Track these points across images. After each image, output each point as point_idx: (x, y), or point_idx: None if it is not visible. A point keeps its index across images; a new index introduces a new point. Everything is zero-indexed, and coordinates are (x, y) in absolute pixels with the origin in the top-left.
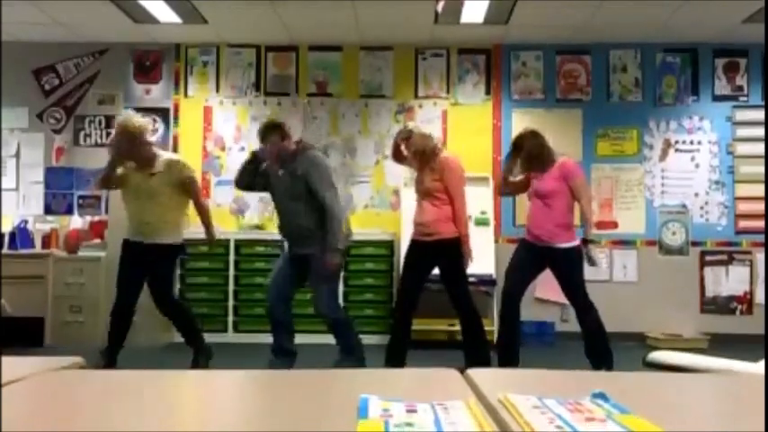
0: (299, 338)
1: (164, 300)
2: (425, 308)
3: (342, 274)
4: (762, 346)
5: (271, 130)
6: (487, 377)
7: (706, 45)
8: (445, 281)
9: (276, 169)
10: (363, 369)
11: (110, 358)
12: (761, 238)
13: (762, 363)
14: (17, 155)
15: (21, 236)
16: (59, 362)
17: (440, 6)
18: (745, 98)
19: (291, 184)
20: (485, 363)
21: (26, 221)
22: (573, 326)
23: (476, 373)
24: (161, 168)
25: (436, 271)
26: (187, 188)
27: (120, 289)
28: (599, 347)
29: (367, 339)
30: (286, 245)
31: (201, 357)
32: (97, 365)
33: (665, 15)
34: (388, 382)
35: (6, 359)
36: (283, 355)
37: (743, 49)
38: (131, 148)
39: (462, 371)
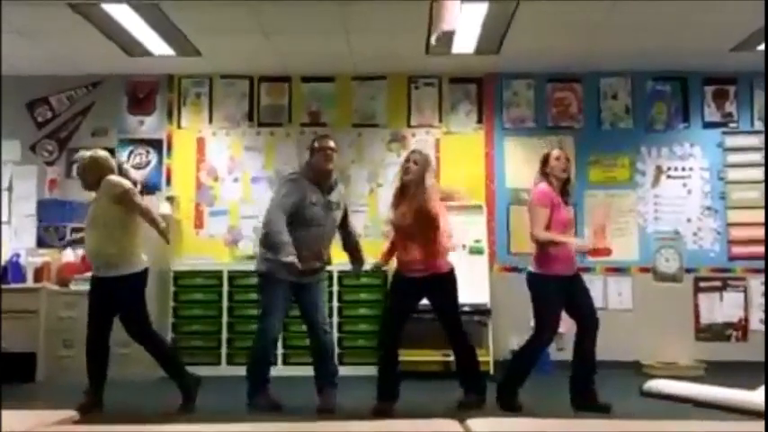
0: (289, 371)
1: (140, 333)
2: (420, 339)
3: (336, 303)
4: (759, 373)
5: (329, 136)
6: (487, 427)
7: (695, 73)
8: (446, 314)
9: (317, 198)
10: (366, 421)
11: (95, 398)
12: (754, 264)
13: (759, 391)
14: (9, 188)
15: (13, 270)
16: (52, 416)
17: (434, 38)
18: (734, 124)
19: (336, 214)
20: (482, 392)
21: (18, 255)
22: (569, 354)
23: (475, 422)
24: (104, 191)
25: (425, 301)
26: (126, 204)
27: (94, 325)
28: (587, 378)
29: (361, 371)
30: (285, 276)
31: (190, 390)
32: (84, 405)
33: (654, 44)
34: None
35: None
36: (264, 385)
37: (731, 76)
38: (83, 178)
39: (462, 420)
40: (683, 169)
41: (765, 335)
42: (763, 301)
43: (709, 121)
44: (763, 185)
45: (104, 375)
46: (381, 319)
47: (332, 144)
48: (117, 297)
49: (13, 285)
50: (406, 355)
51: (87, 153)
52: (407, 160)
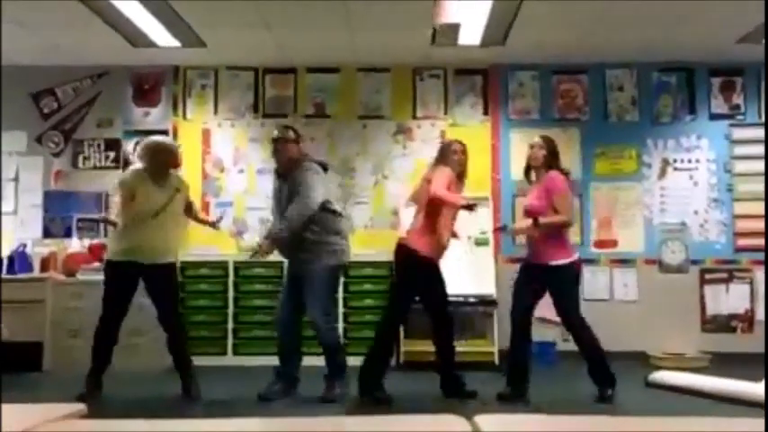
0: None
1: (177, 317)
2: (419, 329)
3: (341, 294)
4: (764, 364)
5: (283, 128)
6: (495, 424)
7: (701, 64)
8: (440, 300)
9: (279, 184)
10: (372, 417)
11: (97, 383)
12: (760, 256)
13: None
14: (16, 178)
15: (19, 260)
16: (61, 409)
17: (433, 28)
18: (741, 116)
19: (289, 198)
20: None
21: (25, 245)
22: (574, 345)
23: (483, 419)
24: (178, 186)
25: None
26: (188, 199)
27: (114, 310)
28: (598, 370)
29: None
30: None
31: (191, 387)
32: (85, 395)
33: (660, 36)
34: (400, 430)
35: (7, 407)
36: (285, 381)
37: (738, 68)
38: (164, 163)
39: (470, 417)
40: (690, 161)
41: (765, 329)
42: None
43: (715, 112)
44: None
45: (110, 360)
46: (400, 311)
47: (275, 135)
48: (167, 283)
49: (20, 275)
50: (412, 346)
51: (167, 140)
52: (463, 152)
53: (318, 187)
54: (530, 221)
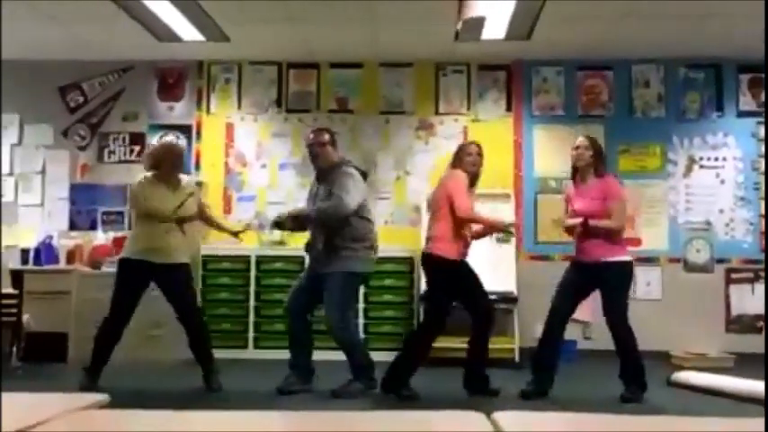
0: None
1: (196, 314)
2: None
3: (361, 289)
4: None
5: (318, 131)
6: (514, 422)
7: (730, 60)
8: (482, 298)
9: (315, 187)
10: (390, 412)
11: (96, 379)
12: None
13: None
14: (43, 171)
15: (45, 251)
16: (82, 399)
17: (460, 25)
18: None
19: (318, 202)
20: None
21: (51, 237)
22: (595, 344)
23: (502, 416)
24: (193, 189)
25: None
26: (199, 206)
27: (125, 310)
28: (632, 373)
29: (385, 356)
30: (307, 262)
31: (212, 379)
32: (82, 385)
33: (687, 31)
34: (417, 426)
35: (29, 396)
36: (300, 372)
37: None
38: (177, 165)
39: (489, 413)
40: (716, 159)
41: (765, 328)
42: None
43: (743, 110)
44: None
45: (108, 359)
46: (437, 317)
47: (311, 139)
48: (181, 282)
49: (46, 267)
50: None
51: (171, 139)
52: (479, 153)
53: (355, 192)
54: (578, 221)
